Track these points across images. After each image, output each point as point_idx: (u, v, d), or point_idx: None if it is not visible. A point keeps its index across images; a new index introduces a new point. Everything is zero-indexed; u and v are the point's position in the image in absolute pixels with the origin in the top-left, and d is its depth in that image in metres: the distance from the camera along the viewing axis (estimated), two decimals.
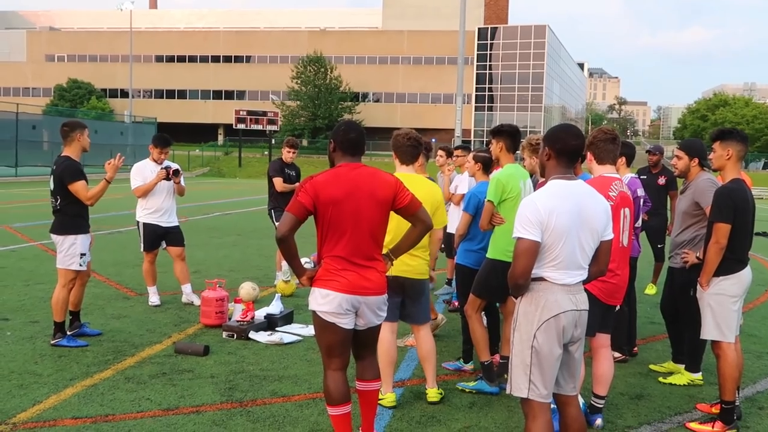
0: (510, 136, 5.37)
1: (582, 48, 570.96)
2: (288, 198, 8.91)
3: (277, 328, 6.81)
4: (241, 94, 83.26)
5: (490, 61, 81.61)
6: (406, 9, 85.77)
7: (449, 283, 9.08)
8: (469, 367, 5.70)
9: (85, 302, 7.69)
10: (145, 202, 7.64)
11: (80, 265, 6.09)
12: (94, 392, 4.92)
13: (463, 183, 7.95)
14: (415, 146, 4.88)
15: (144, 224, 7.65)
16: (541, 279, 3.34)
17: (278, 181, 8.80)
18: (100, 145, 44.44)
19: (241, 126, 58.06)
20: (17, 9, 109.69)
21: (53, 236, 6.13)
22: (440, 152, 8.92)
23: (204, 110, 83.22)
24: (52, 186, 6.07)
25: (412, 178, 4.79)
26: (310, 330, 6.78)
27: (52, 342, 6.03)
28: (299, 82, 73.06)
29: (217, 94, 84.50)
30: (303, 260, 9.72)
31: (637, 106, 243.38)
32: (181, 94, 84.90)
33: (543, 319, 3.31)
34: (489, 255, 5.25)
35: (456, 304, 8.13)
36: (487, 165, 5.85)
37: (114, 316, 7.23)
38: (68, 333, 6.28)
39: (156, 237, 7.71)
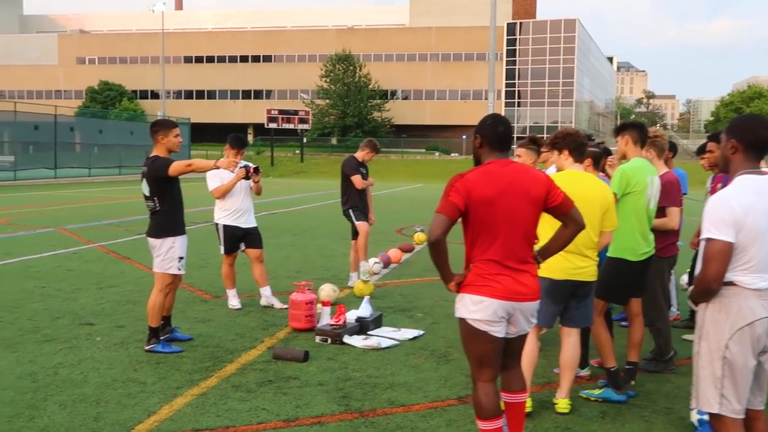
0: (636, 128, 5.10)
1: (608, 41, 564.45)
2: (362, 195, 8.71)
3: (369, 332, 6.59)
4: (269, 94, 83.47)
5: (518, 57, 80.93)
6: (433, 5, 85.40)
7: None
8: (585, 373, 5.42)
9: None
10: (224, 204, 7.45)
11: (178, 269, 5.91)
12: (206, 402, 4.72)
13: None
14: (587, 144, 4.68)
15: (224, 226, 7.47)
16: (731, 284, 3.06)
17: (357, 179, 8.59)
18: (136, 146, 44.77)
19: (273, 125, 58.17)
20: (48, 13, 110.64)
21: (150, 240, 5.96)
22: (519, 150, 8.62)
23: (233, 110, 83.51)
24: (147, 190, 5.91)
25: (583, 177, 4.56)
26: (403, 333, 6.58)
27: (147, 348, 5.86)
28: (328, 80, 73.01)
29: (246, 94, 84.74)
30: (371, 260, 9.51)
31: (666, 100, 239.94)
32: (210, 95, 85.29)
33: (736, 327, 3.03)
34: (611, 254, 4.98)
35: None
36: (597, 160, 5.56)
37: (198, 320, 7.05)
38: (161, 338, 6.12)
39: (236, 239, 7.53)
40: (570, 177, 4.49)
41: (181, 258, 5.93)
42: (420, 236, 13.70)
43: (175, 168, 5.74)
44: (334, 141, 75.51)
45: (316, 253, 12.14)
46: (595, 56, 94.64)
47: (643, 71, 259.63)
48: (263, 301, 7.71)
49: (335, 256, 11.92)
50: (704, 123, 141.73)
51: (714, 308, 3.09)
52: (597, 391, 4.94)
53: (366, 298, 7.00)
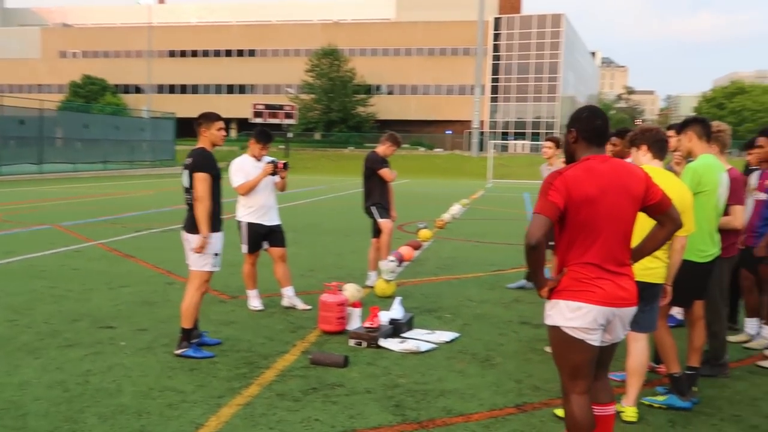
0: (699, 122, 4.89)
1: (591, 36, 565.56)
2: (384, 192, 8.45)
3: (402, 335, 6.34)
4: (253, 89, 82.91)
5: (504, 51, 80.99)
6: (420, 0, 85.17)
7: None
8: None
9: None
10: (248, 200, 7.16)
11: (213, 265, 5.64)
12: (254, 413, 4.44)
13: None
14: (667, 140, 4.48)
15: (247, 224, 7.17)
16: None
17: (386, 171, 8.36)
18: (121, 141, 44.15)
19: (259, 120, 57.52)
20: (30, 6, 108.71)
21: (185, 234, 5.70)
22: (547, 143, 8.43)
23: (217, 105, 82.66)
24: (188, 182, 5.64)
25: (662, 175, 4.32)
26: (438, 336, 6.34)
27: (177, 352, 5.59)
28: (313, 75, 72.57)
29: (230, 89, 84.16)
30: (390, 258, 9.23)
31: (645, 96, 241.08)
32: (194, 89, 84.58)
33: None
34: None
35: None
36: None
37: (221, 323, 6.75)
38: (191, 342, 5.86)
39: (259, 237, 7.25)
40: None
41: (216, 255, 5.66)
42: (426, 233, 13.46)
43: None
44: (317, 136, 75.06)
45: (324, 251, 11.86)
46: (579, 51, 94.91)
47: (624, 67, 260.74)
48: (285, 302, 7.44)
49: (344, 253, 11.66)
50: (684, 119, 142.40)
51: None
52: (661, 398, 4.74)
53: (398, 299, 6.73)
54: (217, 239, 5.69)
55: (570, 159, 3.40)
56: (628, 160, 6.61)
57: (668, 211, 3.35)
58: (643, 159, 4.47)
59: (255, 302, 7.34)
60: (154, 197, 23.73)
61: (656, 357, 5.21)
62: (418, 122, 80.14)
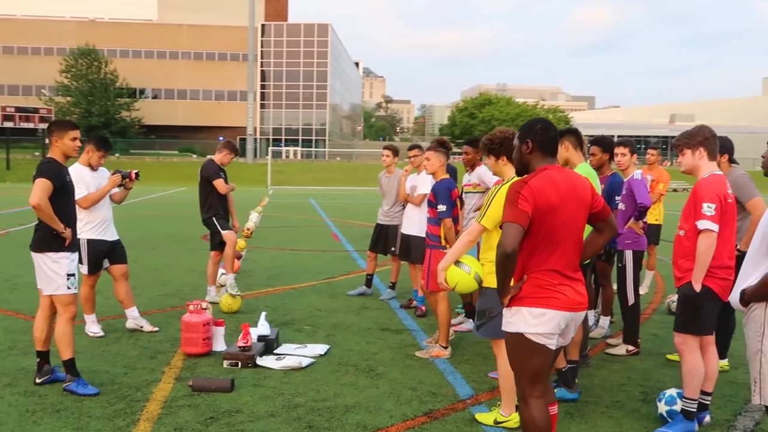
0: (573, 133, 5.25)
1: (353, 46, 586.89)
2: (224, 201, 8.05)
3: (274, 351, 6.08)
4: None
5: (273, 59, 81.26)
6: (183, 2, 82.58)
7: (393, 287, 8.76)
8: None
9: (5, 341, 6.40)
10: (88, 215, 6.41)
11: (68, 288, 4.97)
12: None
13: (425, 183, 7.58)
14: None
15: (88, 241, 6.43)
16: None
17: (220, 183, 7.88)
18: None
19: (9, 124, 52.06)
20: None
21: (32, 254, 4.99)
22: (386, 152, 8.56)
23: None
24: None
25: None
26: (311, 350, 6.18)
27: (65, 387, 4.99)
28: (69, 76, 67.26)
29: None
30: (219, 272, 8.79)
31: (402, 105, 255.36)
32: None
33: None
34: None
35: (423, 309, 7.85)
36: None
37: None
38: (37, 381, 5.13)
39: (101, 255, 6.55)
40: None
41: (69, 275, 5.01)
42: (241, 243, 13.01)
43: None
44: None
45: (137, 266, 10.96)
46: (344, 61, 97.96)
47: (382, 77, 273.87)
48: (131, 324, 6.80)
49: (159, 268, 10.95)
50: (439, 126, 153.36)
51: None
52: None
53: (263, 314, 6.43)
54: (70, 260, 5.05)
55: (523, 170, 3.48)
56: (482, 168, 6.95)
57: (608, 218, 3.55)
58: (504, 169, 4.50)
59: (94, 328, 6.62)
60: None
61: None
62: (188, 128, 77.70)
